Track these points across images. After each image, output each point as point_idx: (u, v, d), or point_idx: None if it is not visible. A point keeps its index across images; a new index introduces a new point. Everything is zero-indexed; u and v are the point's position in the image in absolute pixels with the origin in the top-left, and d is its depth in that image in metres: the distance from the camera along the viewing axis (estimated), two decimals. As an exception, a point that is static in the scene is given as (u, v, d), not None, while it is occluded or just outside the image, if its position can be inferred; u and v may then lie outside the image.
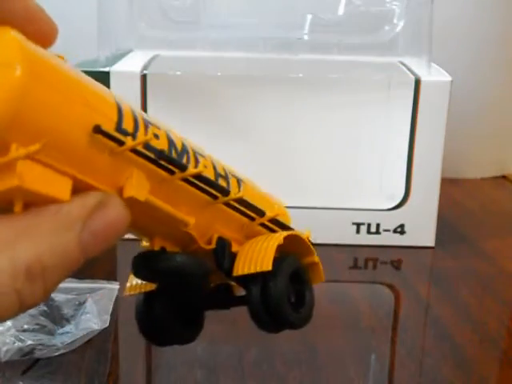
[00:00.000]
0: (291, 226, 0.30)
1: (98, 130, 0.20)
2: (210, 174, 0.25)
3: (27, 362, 0.39)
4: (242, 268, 0.26)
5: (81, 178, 0.20)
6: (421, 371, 0.43)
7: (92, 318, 0.43)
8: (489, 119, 0.81)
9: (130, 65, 0.58)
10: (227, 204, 0.26)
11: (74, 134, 0.19)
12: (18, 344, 0.40)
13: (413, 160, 0.58)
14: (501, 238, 0.63)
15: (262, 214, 0.28)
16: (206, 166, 0.25)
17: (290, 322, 0.27)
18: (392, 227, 0.60)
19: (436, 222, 0.59)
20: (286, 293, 0.27)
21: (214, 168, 0.25)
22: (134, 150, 0.21)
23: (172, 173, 0.23)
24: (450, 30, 0.76)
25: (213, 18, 0.64)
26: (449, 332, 0.46)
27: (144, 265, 0.26)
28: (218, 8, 0.65)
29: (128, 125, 0.21)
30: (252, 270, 0.26)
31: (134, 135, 0.21)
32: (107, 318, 0.44)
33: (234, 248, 0.27)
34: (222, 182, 0.26)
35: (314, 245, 0.30)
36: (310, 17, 0.63)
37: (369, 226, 0.60)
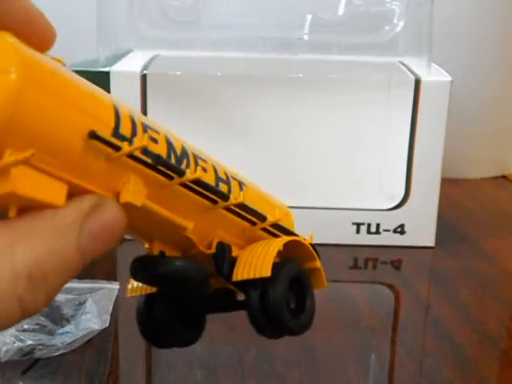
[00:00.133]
0: (294, 228, 0.30)
1: (93, 135, 0.20)
2: (210, 178, 0.25)
3: (27, 361, 0.39)
4: (241, 273, 0.26)
5: (76, 183, 0.20)
6: (421, 371, 0.42)
7: (92, 318, 0.43)
8: (489, 119, 0.81)
9: (130, 65, 0.58)
10: (227, 209, 0.26)
11: (70, 140, 0.19)
12: (17, 344, 0.40)
13: (413, 160, 0.58)
14: (501, 238, 0.63)
15: (263, 218, 0.27)
16: (206, 170, 0.24)
17: (289, 328, 0.27)
18: (392, 227, 0.60)
19: (436, 222, 0.59)
20: (285, 299, 0.26)
21: (215, 171, 0.25)
22: (131, 156, 0.21)
23: (170, 178, 0.23)
24: (449, 30, 0.76)
25: (213, 18, 0.64)
26: (449, 332, 0.46)
27: (142, 269, 0.25)
28: (217, 8, 0.65)
29: (125, 130, 0.21)
30: (251, 276, 0.26)
31: (131, 140, 0.21)
32: (107, 318, 0.44)
33: (235, 252, 0.27)
34: (222, 186, 0.25)
35: (316, 249, 0.29)
36: (309, 17, 0.63)
37: (369, 226, 0.59)
